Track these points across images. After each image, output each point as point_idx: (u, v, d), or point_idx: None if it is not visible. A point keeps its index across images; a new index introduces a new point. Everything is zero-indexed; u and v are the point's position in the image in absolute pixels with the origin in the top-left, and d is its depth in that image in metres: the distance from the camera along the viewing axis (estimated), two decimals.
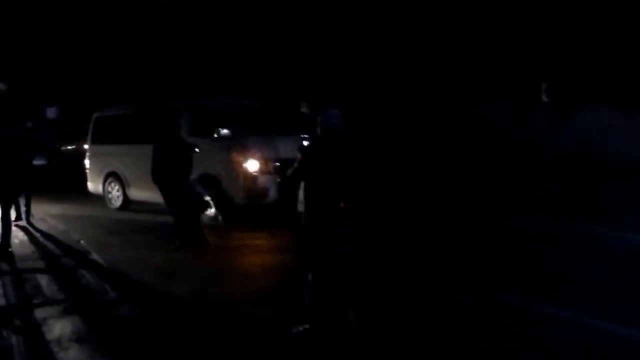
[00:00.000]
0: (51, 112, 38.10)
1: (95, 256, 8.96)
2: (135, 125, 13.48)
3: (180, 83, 21.22)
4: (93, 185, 14.86)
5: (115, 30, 24.89)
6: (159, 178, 9.66)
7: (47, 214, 13.06)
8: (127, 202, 13.83)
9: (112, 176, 14.11)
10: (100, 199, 14.53)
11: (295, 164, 5.18)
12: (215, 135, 11.58)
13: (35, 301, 6.64)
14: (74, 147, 31.68)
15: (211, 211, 11.51)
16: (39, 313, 6.16)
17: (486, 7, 16.60)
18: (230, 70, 21.43)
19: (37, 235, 10.88)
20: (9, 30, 27.91)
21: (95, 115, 15.16)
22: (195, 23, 22.46)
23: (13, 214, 10.28)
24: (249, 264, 8.56)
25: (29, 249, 9.66)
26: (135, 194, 13.36)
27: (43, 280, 7.57)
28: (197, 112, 12.40)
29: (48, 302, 6.58)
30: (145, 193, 12.36)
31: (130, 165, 13.15)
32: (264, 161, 11.29)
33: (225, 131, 11.47)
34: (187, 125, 12.02)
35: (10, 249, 9.03)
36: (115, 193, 14.11)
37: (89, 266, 8.33)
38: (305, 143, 8.00)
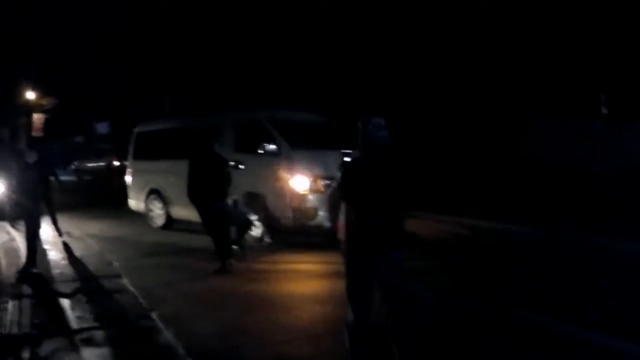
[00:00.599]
0: (102, 127, 39.50)
1: (125, 280, 8.68)
2: (178, 140, 13.31)
3: (226, 96, 21.27)
4: (135, 203, 14.80)
5: (163, 45, 25.17)
6: (195, 196, 9.33)
7: (85, 233, 13.09)
8: (169, 221, 13.65)
9: (154, 193, 14.00)
10: (142, 217, 14.33)
11: (336, 184, 4.76)
12: (260, 151, 11.21)
13: (49, 329, 6.30)
14: (103, 163, 32.49)
15: (256, 232, 11.13)
16: (50, 344, 5.84)
17: (542, 19, 16.10)
18: (280, 81, 21.41)
19: (69, 255, 10.76)
20: (63, 45, 28.65)
21: (136, 130, 15.23)
22: (246, 36, 22.59)
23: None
24: (291, 293, 8.01)
25: (58, 270, 9.52)
26: (178, 212, 13.12)
27: (62, 305, 7.34)
28: (241, 126, 12.17)
29: (61, 331, 6.23)
30: (188, 211, 11.99)
31: (173, 182, 12.93)
32: (314, 179, 10.78)
33: (270, 146, 11.16)
34: (231, 140, 11.91)
35: (36, 270, 8.82)
36: (157, 211, 13.97)
37: (116, 291, 8.08)
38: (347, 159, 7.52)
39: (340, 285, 5.27)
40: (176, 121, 14.39)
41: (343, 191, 4.61)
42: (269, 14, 22.53)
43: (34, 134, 34.33)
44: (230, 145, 11.84)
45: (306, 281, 8.80)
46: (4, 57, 27.86)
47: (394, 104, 17.84)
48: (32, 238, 8.99)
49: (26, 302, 7.41)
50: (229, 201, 9.67)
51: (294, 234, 11.23)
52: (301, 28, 21.62)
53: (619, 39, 15.19)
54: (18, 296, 7.66)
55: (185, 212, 12.37)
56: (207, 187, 9.14)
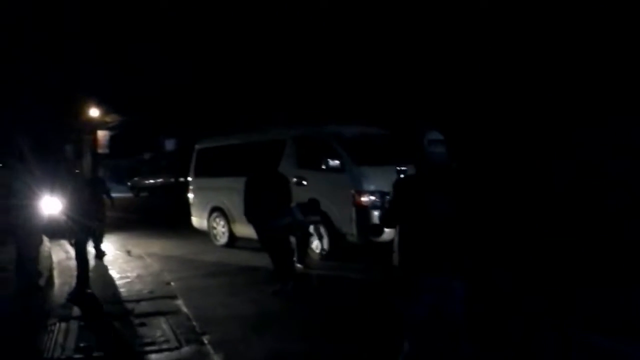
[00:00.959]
0: (169, 144, 40.25)
1: (180, 301, 8.48)
2: (240, 156, 13.16)
3: (289, 111, 21.34)
4: (198, 221, 14.73)
5: (230, 60, 25.42)
6: (252, 215, 9.09)
7: (146, 252, 13.06)
8: (233, 239, 13.48)
9: (217, 211, 13.87)
10: (206, 235, 14.22)
11: (389, 203, 4.49)
12: (324, 167, 10.96)
13: (95, 354, 6.09)
14: (159, 179, 33.00)
15: (315, 244, 10.87)
16: None
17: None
18: (340, 95, 21.40)
19: (126, 275, 10.70)
20: (129, 62, 29.28)
21: (197, 146, 15.26)
22: (305, 51, 22.67)
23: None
24: (353, 318, 7.48)
25: (112, 290, 9.43)
26: (241, 230, 12.91)
27: (112, 328, 7.23)
28: (304, 141, 12.03)
29: (107, 355, 6.00)
30: (251, 229, 11.86)
31: (235, 199, 12.70)
32: (379, 194, 10.34)
33: (334, 162, 10.96)
34: (294, 156, 11.86)
35: (89, 290, 8.71)
36: (220, 229, 13.82)
37: (169, 313, 7.86)
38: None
39: None
40: (238, 137, 14.25)
41: (395, 211, 4.37)
42: (324, 30, 22.59)
43: (99, 151, 35.36)
44: (294, 161, 11.79)
45: (370, 304, 8.25)
46: (68, 74, 28.72)
47: (457, 114, 17.41)
48: (82, 257, 8.86)
49: (74, 324, 7.30)
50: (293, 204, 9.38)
51: (359, 251, 10.80)
52: (359, 41, 21.62)
53: None
54: (66, 318, 7.54)
55: (249, 230, 12.08)
56: (265, 206, 8.88)
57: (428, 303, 4.15)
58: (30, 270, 8.53)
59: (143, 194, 34.65)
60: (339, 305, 8.12)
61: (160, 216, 19.16)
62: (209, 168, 14.44)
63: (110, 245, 14.25)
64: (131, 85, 30.72)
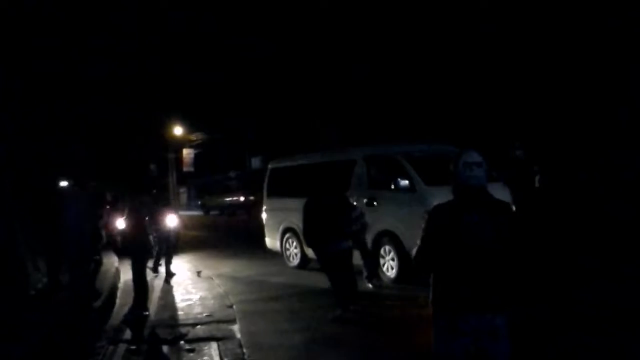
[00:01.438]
0: (255, 162, 40.91)
1: (236, 326, 8.49)
2: (311, 176, 13.13)
3: (373, 129, 21.56)
4: (271, 242, 14.79)
5: (313, 77, 25.72)
6: (311, 239, 8.99)
7: (216, 273, 13.20)
8: (305, 260, 13.39)
9: (289, 232, 13.85)
10: (279, 256, 14.23)
11: (421, 238, 3.97)
12: (393, 187, 10.78)
13: None
14: (231, 198, 33.48)
15: (391, 272, 10.63)
16: None
17: None
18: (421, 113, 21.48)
19: (189, 297, 10.86)
20: (213, 79, 29.96)
21: (270, 166, 15.41)
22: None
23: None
24: (417, 348, 7.15)
25: (170, 312, 9.54)
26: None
27: (160, 352, 7.31)
28: (374, 161, 11.96)
29: None
30: None
31: None
32: None
33: (404, 182, 10.81)
34: (364, 176, 11.85)
35: (146, 312, 8.83)
36: (293, 250, 13.79)
37: (222, 338, 7.87)
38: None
39: None
40: (309, 157, 14.30)
41: (430, 245, 3.91)
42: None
43: (184, 169, 36.42)
44: (364, 181, 11.77)
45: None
46: (153, 94, 29.73)
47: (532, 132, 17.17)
48: (140, 278, 9.00)
49: (122, 348, 7.39)
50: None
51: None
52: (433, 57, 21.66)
53: None
54: (116, 340, 7.62)
55: None
56: (324, 229, 8.76)
57: (467, 347, 3.76)
58: (82, 291, 8.71)
59: (213, 212, 35.50)
60: (398, 333, 7.83)
61: (236, 235, 19.30)
62: (282, 188, 14.50)
63: (183, 265, 14.53)
64: (216, 103, 31.45)
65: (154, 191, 16.27)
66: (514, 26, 20.18)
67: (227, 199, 34.85)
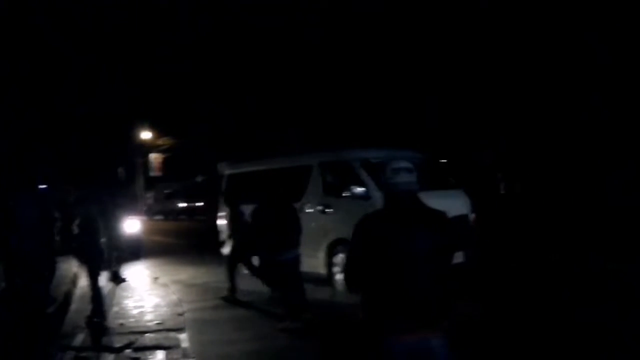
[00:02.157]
0: (222, 167, 40.77)
1: (184, 335, 8.67)
2: (268, 182, 13.20)
3: (316, 135, 21.71)
4: (227, 249, 14.77)
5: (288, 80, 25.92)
6: (260, 248, 9.17)
7: (173, 279, 13.33)
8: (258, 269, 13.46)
9: None
10: None
11: (349, 249, 3.94)
12: (348, 194, 10.94)
13: None
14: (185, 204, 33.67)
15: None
16: None
17: None
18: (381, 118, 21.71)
19: (143, 304, 11.09)
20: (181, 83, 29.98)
21: (226, 172, 15.35)
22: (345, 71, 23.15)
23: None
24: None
25: (121, 320, 9.76)
26: None
27: None
28: (329, 168, 12.00)
29: None
30: None
31: None
32: None
33: (359, 189, 10.83)
34: (319, 182, 11.87)
35: (97, 319, 8.98)
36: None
37: (168, 347, 8.07)
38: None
39: None
40: (265, 162, 14.35)
41: (357, 258, 3.77)
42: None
43: (152, 174, 36.35)
44: (320, 188, 11.79)
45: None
46: (119, 96, 29.69)
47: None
48: (93, 285, 9.14)
49: (69, 355, 7.55)
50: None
51: None
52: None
53: None
54: (65, 347, 7.80)
55: None
56: (271, 237, 8.90)
57: None
58: (38, 296, 8.86)
59: (157, 217, 36.32)
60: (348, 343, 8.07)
61: (198, 242, 19.40)
62: (238, 194, 14.45)
63: (141, 271, 14.68)
64: (184, 108, 31.52)
65: (118, 195, 16.37)
66: (484, 33, 20.35)
67: (172, 205, 36.17)
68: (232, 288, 11.10)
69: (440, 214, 3.84)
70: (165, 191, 40.71)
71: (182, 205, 37.09)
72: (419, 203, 3.81)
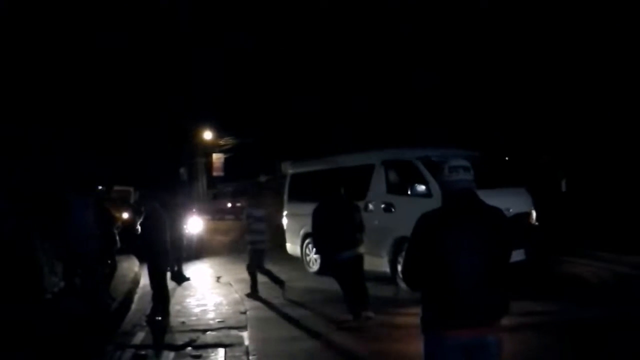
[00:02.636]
0: (285, 167, 40.81)
1: (246, 333, 8.53)
2: (330, 181, 13.05)
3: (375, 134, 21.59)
4: (291, 247, 14.83)
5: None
6: (319, 247, 8.92)
7: (236, 279, 13.16)
8: (325, 266, 13.27)
9: (309, 237, 13.71)
10: (300, 262, 14.22)
11: (407, 248, 3.89)
12: (411, 192, 10.69)
13: None
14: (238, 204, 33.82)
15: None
16: None
17: None
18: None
19: (205, 302, 10.97)
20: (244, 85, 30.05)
21: (290, 171, 15.58)
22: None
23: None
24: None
25: (183, 318, 9.60)
26: None
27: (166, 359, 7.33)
28: (392, 166, 11.86)
29: None
30: None
31: None
32: None
33: (421, 187, 10.71)
34: (382, 181, 11.81)
35: (159, 318, 8.87)
36: (312, 256, 13.74)
37: (229, 345, 7.88)
38: None
39: None
40: (328, 161, 14.29)
41: (417, 256, 3.72)
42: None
43: (214, 174, 36.58)
44: (382, 187, 11.72)
45: None
46: (181, 98, 29.97)
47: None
48: (156, 283, 9.06)
49: (129, 353, 7.45)
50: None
51: None
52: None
53: None
54: (124, 346, 7.68)
55: None
56: (332, 236, 8.67)
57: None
58: (97, 295, 8.80)
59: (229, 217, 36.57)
60: (410, 342, 7.72)
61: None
62: (302, 193, 14.43)
63: (204, 270, 14.62)
64: (246, 107, 31.60)
65: (179, 195, 16.39)
66: (542, 34, 20.00)
67: (220, 205, 36.31)
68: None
69: (497, 211, 3.83)
70: (211, 191, 41.15)
71: (229, 205, 37.09)
72: (476, 200, 3.80)
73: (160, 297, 9.30)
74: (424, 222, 3.76)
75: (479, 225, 3.66)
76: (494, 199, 10.55)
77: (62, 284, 9.86)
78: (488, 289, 3.55)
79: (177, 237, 12.52)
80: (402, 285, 10.76)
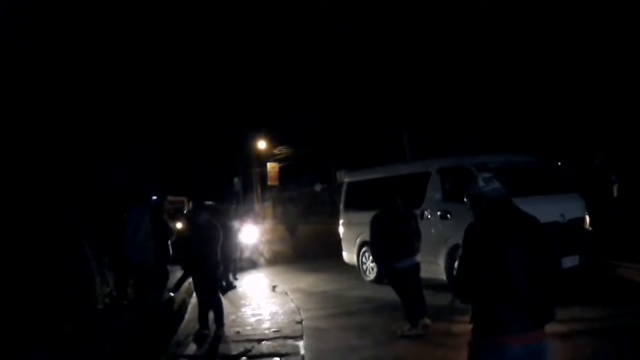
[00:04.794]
0: (341, 176, 40.78)
1: (303, 343, 8.38)
2: (386, 189, 12.94)
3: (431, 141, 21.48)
4: (348, 256, 14.67)
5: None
6: (377, 255, 8.76)
7: (292, 288, 13.13)
8: (382, 275, 13.07)
9: (366, 245, 13.57)
10: (357, 270, 14.02)
11: (460, 259, 3.92)
12: (466, 200, 10.40)
13: None
14: None
15: None
16: None
17: None
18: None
19: (260, 312, 10.88)
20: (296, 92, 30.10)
21: (346, 179, 15.48)
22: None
23: None
24: None
25: (238, 328, 9.54)
26: None
27: None
28: (448, 173, 11.64)
29: None
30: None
31: None
32: None
33: None
34: (438, 188, 11.64)
35: (207, 331, 8.80)
36: (370, 264, 13.56)
37: (285, 355, 7.81)
38: None
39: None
40: (384, 170, 14.23)
41: (471, 267, 3.76)
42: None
43: (269, 183, 36.75)
44: (439, 194, 11.55)
45: None
46: (237, 106, 30.15)
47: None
48: (207, 295, 8.99)
49: None
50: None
51: None
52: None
53: None
54: (176, 356, 7.64)
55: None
56: (390, 245, 8.53)
57: None
58: (150, 305, 8.78)
59: None
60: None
61: (317, 249, 19.22)
62: (358, 201, 14.39)
63: (260, 280, 14.55)
64: (299, 117, 31.60)
65: (234, 205, 16.40)
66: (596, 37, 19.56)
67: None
68: None
69: (532, 218, 3.91)
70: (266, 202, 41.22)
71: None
72: (514, 207, 3.95)
73: (214, 309, 9.19)
74: (476, 232, 3.86)
75: (522, 231, 3.77)
76: (548, 205, 10.41)
77: (114, 294, 9.89)
78: (539, 293, 3.61)
79: (231, 247, 12.49)
80: None
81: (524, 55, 21.61)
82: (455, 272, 3.76)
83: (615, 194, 14.30)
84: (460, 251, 3.94)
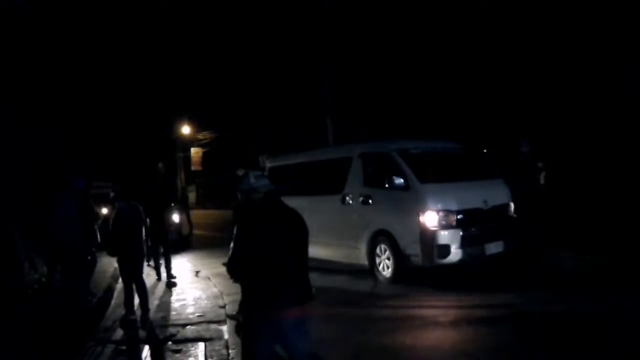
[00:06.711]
0: (263, 161, 40.80)
1: (225, 327, 8.58)
2: (308, 175, 13.29)
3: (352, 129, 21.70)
4: None
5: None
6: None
7: (214, 273, 13.29)
8: None
9: None
10: None
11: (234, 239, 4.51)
12: (388, 185, 10.82)
13: None
14: None
15: (387, 272, 10.73)
16: None
17: None
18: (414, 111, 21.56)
19: (184, 297, 11.06)
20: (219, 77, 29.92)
21: (268, 164, 15.58)
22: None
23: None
24: (412, 345, 7.21)
25: (163, 313, 9.77)
26: (316, 251, 12.82)
27: (144, 354, 7.51)
28: (369, 158, 11.92)
29: None
30: (326, 251, 12.18)
31: (305, 219, 12.76)
32: (445, 213, 10.10)
33: (398, 180, 10.78)
34: (359, 173, 11.85)
35: (132, 317, 8.98)
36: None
37: (209, 339, 7.99)
38: None
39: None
40: (307, 155, 14.42)
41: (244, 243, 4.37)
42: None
43: (193, 168, 36.60)
44: (360, 179, 11.77)
45: (431, 330, 7.95)
46: (160, 92, 29.86)
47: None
48: (129, 281, 9.15)
49: (109, 348, 7.56)
50: None
51: (424, 273, 10.55)
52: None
53: None
54: (104, 341, 7.80)
55: (324, 251, 12.11)
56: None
57: (270, 336, 4.32)
58: (77, 290, 8.89)
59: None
60: (400, 331, 7.86)
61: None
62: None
63: (183, 265, 14.73)
64: (224, 102, 31.55)
65: (158, 190, 16.36)
66: (520, 23, 20.09)
67: None
68: None
69: (294, 212, 4.58)
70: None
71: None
72: (280, 201, 4.61)
73: (139, 294, 9.31)
74: (247, 219, 4.48)
75: (285, 221, 4.46)
76: (470, 191, 10.85)
77: (43, 279, 9.93)
78: (287, 279, 4.26)
79: (160, 232, 12.55)
80: (380, 278, 10.99)
81: (451, 41, 21.99)
82: (229, 253, 4.34)
83: (542, 181, 14.85)
84: (234, 235, 4.40)
